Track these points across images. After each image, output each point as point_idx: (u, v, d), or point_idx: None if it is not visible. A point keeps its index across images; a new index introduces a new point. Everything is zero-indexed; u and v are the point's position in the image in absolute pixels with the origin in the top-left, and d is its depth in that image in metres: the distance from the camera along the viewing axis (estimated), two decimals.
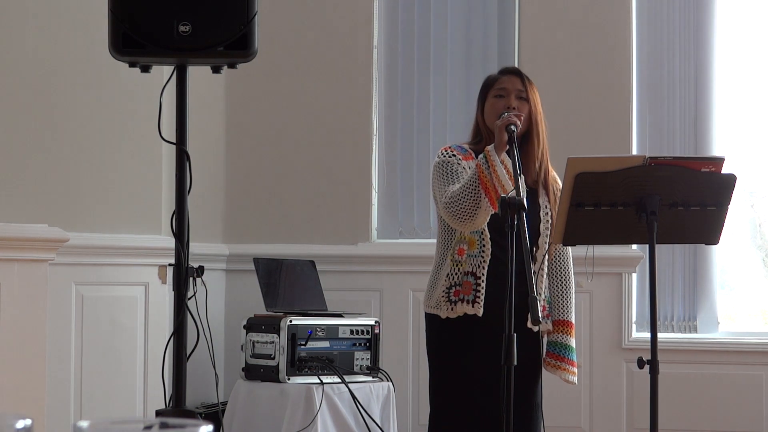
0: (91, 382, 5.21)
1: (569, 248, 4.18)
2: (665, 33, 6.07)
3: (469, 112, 4.74)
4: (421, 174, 6.19)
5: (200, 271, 3.99)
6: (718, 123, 6.03)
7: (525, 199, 3.53)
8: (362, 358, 5.45)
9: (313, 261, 5.91)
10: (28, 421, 1.34)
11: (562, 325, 4.15)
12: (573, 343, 4.16)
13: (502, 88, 4.13)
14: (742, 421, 5.81)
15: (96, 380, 5.23)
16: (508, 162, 3.85)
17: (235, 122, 6.31)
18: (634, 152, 5.90)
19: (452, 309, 4.03)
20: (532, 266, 3.54)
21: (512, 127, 3.86)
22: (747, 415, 5.81)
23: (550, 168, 4.17)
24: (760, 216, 6.36)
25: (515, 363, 3.42)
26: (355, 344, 5.45)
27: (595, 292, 5.85)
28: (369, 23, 6.26)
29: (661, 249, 5.02)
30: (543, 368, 4.13)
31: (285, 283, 5.73)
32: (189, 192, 4.01)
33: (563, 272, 4.20)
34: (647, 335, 4.20)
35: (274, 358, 5.29)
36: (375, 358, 5.47)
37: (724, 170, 3.81)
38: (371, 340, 5.49)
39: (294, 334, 5.27)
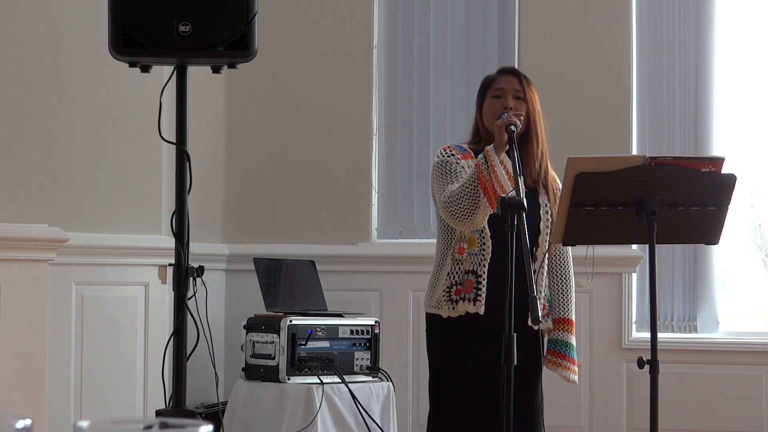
0: (91, 382, 5.21)
1: (569, 247, 4.18)
2: (665, 33, 6.07)
3: (469, 112, 4.74)
4: (421, 174, 6.19)
5: (200, 271, 3.99)
6: (718, 123, 6.03)
7: (525, 199, 3.53)
8: (362, 358, 5.46)
9: (313, 261, 5.91)
10: (28, 421, 1.34)
11: (562, 323, 4.15)
12: (573, 341, 4.16)
13: (500, 89, 4.13)
14: (742, 421, 5.81)
15: (96, 380, 5.23)
16: (508, 162, 3.85)
17: (235, 122, 6.31)
18: (634, 152, 5.90)
19: (453, 308, 4.03)
20: (532, 266, 3.54)
21: (512, 128, 3.86)
22: (747, 415, 5.81)
23: (550, 167, 4.17)
24: (760, 216, 6.36)
25: (515, 363, 3.42)
26: (355, 344, 5.45)
27: (595, 292, 5.85)
28: (369, 23, 6.26)
29: (661, 249, 5.02)
30: (543, 366, 4.13)
31: (285, 283, 5.73)
32: (189, 192, 4.01)
33: (563, 270, 4.20)
34: (647, 335, 4.20)
35: (274, 358, 5.29)
36: (375, 358, 5.48)
37: (724, 170, 3.81)
38: (371, 340, 5.49)
39: (294, 334, 5.27)
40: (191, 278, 3.97)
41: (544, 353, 4.14)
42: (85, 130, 5.27)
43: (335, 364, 5.34)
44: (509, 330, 3.42)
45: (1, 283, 4.50)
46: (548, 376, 4.17)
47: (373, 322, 5.52)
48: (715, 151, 5.93)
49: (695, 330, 5.97)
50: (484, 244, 4.02)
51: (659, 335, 3.85)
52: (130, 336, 5.39)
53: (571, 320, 4.17)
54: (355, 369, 5.42)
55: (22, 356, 4.56)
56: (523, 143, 4.06)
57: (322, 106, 6.25)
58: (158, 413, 4.48)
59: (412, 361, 6.04)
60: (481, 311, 3.99)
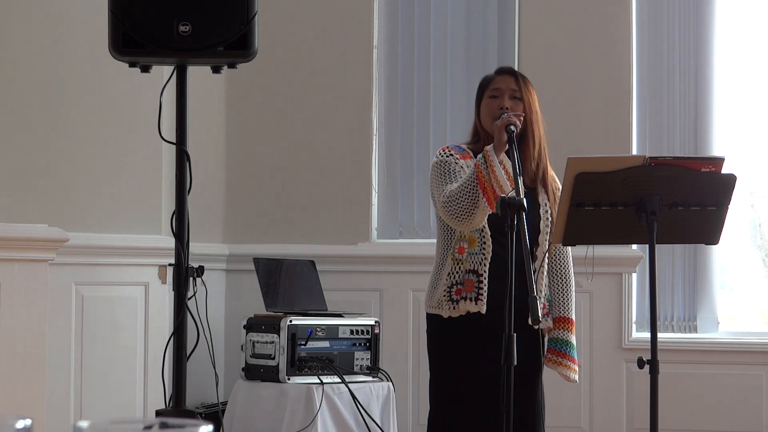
0: (91, 382, 5.21)
1: (569, 246, 4.18)
2: (665, 32, 6.07)
3: (469, 112, 4.73)
4: (421, 174, 6.19)
5: (200, 271, 3.99)
6: (718, 123, 6.03)
7: (525, 199, 3.53)
8: (362, 358, 5.45)
9: (313, 261, 5.91)
10: (28, 421, 1.34)
11: (562, 322, 4.15)
12: (573, 340, 4.16)
13: (496, 89, 4.13)
14: (742, 421, 5.81)
15: (96, 380, 5.22)
16: (507, 163, 3.85)
17: (235, 122, 6.31)
18: (634, 152, 5.90)
19: (455, 308, 4.03)
20: (532, 265, 3.54)
21: (512, 128, 3.86)
22: (747, 415, 5.81)
23: (549, 167, 4.17)
24: (760, 216, 6.36)
25: (515, 363, 3.42)
26: (355, 344, 5.45)
27: (595, 292, 5.85)
28: (369, 23, 6.26)
29: (661, 249, 5.02)
30: (544, 365, 4.13)
31: (285, 283, 5.73)
32: (189, 192, 4.01)
33: (563, 270, 4.20)
34: (647, 335, 4.20)
35: (274, 358, 5.29)
36: (375, 358, 5.47)
37: (724, 170, 3.81)
38: (371, 340, 5.49)
39: (294, 334, 5.27)
40: (191, 278, 3.97)
41: (545, 352, 4.14)
42: (85, 130, 5.27)
43: (335, 364, 5.34)
44: (509, 330, 3.42)
45: (1, 283, 4.50)
46: (548, 376, 4.17)
47: (373, 322, 5.52)
48: (715, 151, 5.93)
49: (695, 330, 5.97)
50: (485, 243, 4.01)
51: (659, 335, 3.85)
52: (130, 336, 5.39)
53: (572, 319, 4.17)
54: (355, 369, 5.42)
55: (22, 356, 4.55)
56: (520, 143, 4.05)
57: (322, 105, 6.25)
58: (158, 413, 4.48)
59: (412, 361, 6.04)
60: (483, 310, 3.99)
